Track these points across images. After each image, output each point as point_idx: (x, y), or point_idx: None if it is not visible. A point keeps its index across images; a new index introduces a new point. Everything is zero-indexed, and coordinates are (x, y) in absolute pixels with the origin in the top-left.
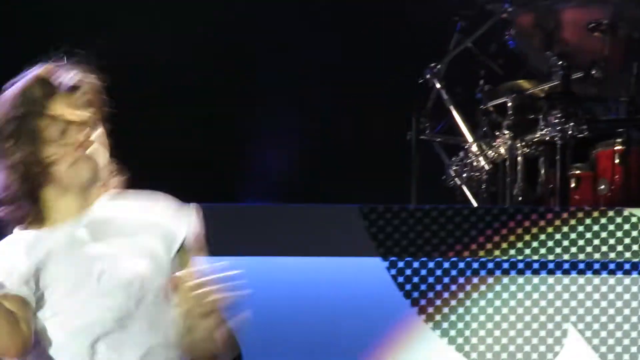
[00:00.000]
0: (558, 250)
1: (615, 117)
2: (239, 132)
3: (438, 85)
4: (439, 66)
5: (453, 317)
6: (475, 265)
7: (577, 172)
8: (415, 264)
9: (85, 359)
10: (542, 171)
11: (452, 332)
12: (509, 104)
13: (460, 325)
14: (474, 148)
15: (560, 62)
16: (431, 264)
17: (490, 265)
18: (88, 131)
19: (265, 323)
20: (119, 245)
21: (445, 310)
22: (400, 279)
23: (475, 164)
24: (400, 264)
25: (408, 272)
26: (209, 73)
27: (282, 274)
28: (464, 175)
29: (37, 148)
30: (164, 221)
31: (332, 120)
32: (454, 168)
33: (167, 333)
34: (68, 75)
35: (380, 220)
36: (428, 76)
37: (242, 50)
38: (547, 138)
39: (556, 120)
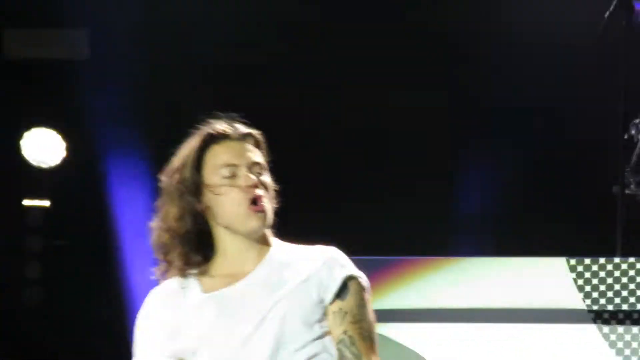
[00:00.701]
0: None
1: None
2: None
3: None
4: None
5: None
6: None
7: None
8: (620, 315)
9: None
10: None
11: None
12: None
13: None
14: (632, 182)
15: None
16: (635, 315)
17: None
18: (258, 175)
19: None
20: (277, 301)
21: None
22: (606, 330)
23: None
24: (605, 315)
25: (613, 322)
26: None
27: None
28: None
29: (205, 185)
30: (323, 274)
31: (538, 173)
32: None
33: None
34: (238, 126)
35: (587, 272)
36: (633, 132)
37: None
38: None
39: None
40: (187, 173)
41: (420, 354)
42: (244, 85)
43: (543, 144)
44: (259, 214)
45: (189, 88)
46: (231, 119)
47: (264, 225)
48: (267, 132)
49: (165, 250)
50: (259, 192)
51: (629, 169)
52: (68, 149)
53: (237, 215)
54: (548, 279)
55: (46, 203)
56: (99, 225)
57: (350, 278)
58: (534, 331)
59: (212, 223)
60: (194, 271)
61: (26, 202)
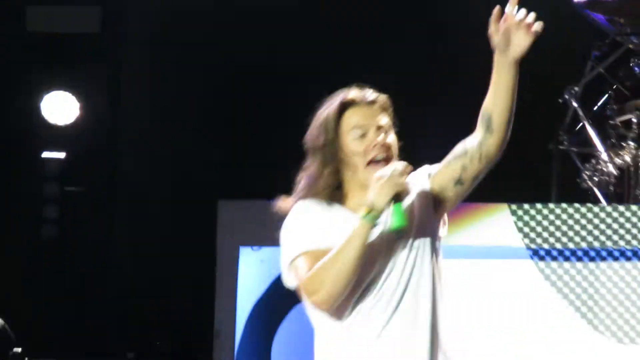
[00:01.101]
0: None
1: None
2: None
3: (575, 105)
4: (576, 88)
5: (600, 304)
6: (604, 253)
7: None
8: (554, 253)
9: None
10: None
11: (599, 319)
12: (634, 120)
13: (608, 310)
14: (604, 156)
15: None
16: (567, 253)
17: (617, 254)
18: (385, 135)
19: None
20: None
21: (591, 298)
22: (541, 265)
23: (605, 169)
24: (541, 253)
25: (548, 259)
26: None
27: None
28: (596, 179)
29: (342, 144)
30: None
31: None
32: (587, 173)
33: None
34: (368, 92)
35: (525, 215)
36: (567, 97)
37: None
38: None
39: None
40: (329, 134)
41: None
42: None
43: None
44: (379, 167)
45: (183, 53)
46: (361, 86)
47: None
48: None
49: (311, 183)
50: (383, 150)
51: (562, 129)
52: (81, 108)
53: (364, 169)
54: (492, 221)
55: (62, 155)
56: (107, 174)
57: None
58: (480, 266)
59: (346, 172)
60: (330, 200)
61: (45, 155)
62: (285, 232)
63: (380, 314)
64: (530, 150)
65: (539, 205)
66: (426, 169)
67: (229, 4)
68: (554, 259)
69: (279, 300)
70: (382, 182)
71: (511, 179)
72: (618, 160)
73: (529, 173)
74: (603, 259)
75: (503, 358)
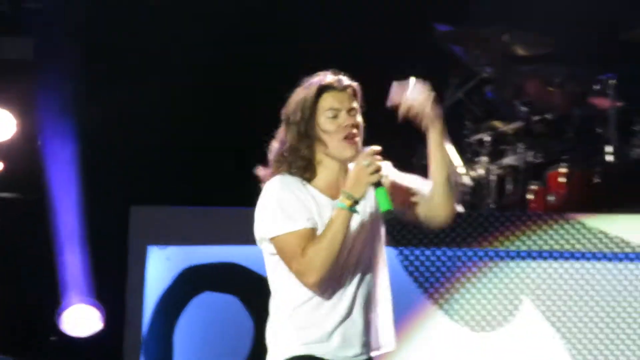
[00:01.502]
0: (518, 243)
1: (561, 149)
2: None
3: None
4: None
5: (455, 297)
6: (470, 253)
7: (534, 187)
8: (416, 252)
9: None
10: (509, 187)
11: (454, 309)
12: (487, 139)
13: (462, 302)
14: (461, 170)
15: (523, 109)
16: (428, 252)
17: (481, 254)
18: (354, 118)
19: None
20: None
21: (448, 291)
22: (406, 263)
23: (461, 181)
24: (406, 252)
25: (411, 258)
26: None
27: None
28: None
29: (316, 123)
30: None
31: None
32: None
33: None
34: (343, 79)
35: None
36: None
37: None
38: (513, 163)
39: (520, 151)
40: (306, 112)
41: None
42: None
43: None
44: (351, 146)
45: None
46: (337, 73)
47: (353, 154)
48: None
49: (282, 158)
50: (353, 130)
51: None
52: (18, 125)
53: (336, 146)
54: None
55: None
56: (37, 183)
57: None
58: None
59: (319, 150)
60: (304, 176)
61: None
62: (265, 207)
63: (341, 284)
64: (399, 163)
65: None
66: (387, 169)
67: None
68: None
69: (180, 293)
70: (358, 172)
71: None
72: (473, 173)
73: None
74: (459, 258)
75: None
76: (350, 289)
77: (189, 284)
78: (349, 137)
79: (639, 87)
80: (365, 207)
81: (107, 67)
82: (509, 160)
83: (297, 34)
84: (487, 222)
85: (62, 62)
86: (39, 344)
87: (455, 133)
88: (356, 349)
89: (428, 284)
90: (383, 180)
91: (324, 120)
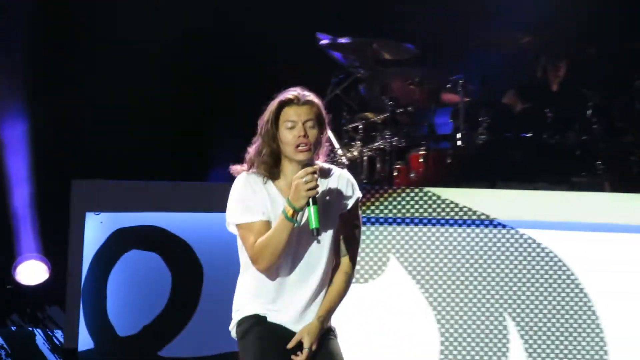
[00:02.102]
0: (386, 211)
1: (420, 135)
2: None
3: None
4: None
5: None
6: None
7: (398, 166)
8: None
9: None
10: (378, 165)
11: None
12: (360, 126)
13: None
14: (340, 152)
15: (389, 102)
16: None
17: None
18: (310, 129)
19: None
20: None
21: None
22: None
23: (340, 161)
24: None
25: None
26: None
27: None
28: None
29: (279, 131)
30: (344, 190)
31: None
32: None
33: (326, 265)
34: (308, 93)
35: None
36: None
37: None
38: (382, 146)
39: (387, 136)
40: (271, 123)
41: None
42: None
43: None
44: (302, 153)
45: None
46: (300, 89)
47: (305, 159)
48: None
49: (252, 159)
50: (304, 140)
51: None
52: None
53: (290, 152)
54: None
55: None
56: None
57: (359, 200)
58: None
59: (283, 156)
60: (266, 175)
61: None
62: (231, 198)
63: (290, 268)
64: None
65: None
66: (355, 197)
67: None
68: None
69: (112, 251)
70: (298, 185)
71: None
72: (349, 155)
73: None
74: None
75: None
76: (297, 272)
77: (119, 243)
78: (300, 146)
79: (482, 86)
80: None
81: (54, 50)
82: (378, 144)
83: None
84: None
85: (14, 44)
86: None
87: (335, 122)
88: (293, 317)
89: None
90: (317, 196)
91: (283, 130)
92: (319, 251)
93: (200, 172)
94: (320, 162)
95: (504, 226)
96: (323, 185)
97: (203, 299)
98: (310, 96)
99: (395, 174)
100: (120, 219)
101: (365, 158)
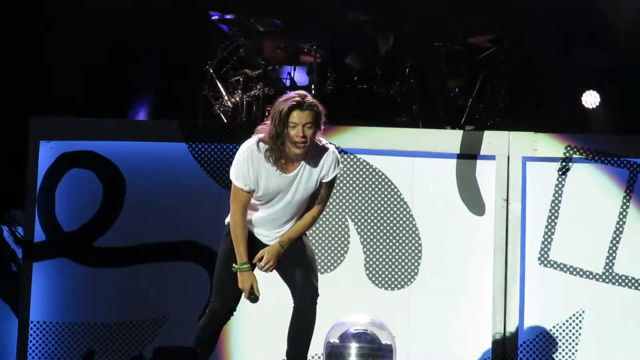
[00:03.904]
0: None
1: (285, 86)
2: None
3: (211, 71)
4: (211, 63)
5: None
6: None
7: (268, 109)
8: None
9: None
10: (254, 108)
11: None
12: (240, 79)
13: None
14: (226, 98)
15: (263, 62)
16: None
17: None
18: (307, 129)
19: None
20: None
21: None
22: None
23: (226, 104)
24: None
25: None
26: None
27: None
28: (221, 109)
29: (285, 128)
30: (328, 168)
31: None
32: (217, 106)
33: (298, 212)
34: (309, 100)
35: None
36: (207, 67)
37: None
38: (257, 94)
39: (260, 87)
40: (279, 121)
41: None
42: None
43: None
44: (299, 148)
45: None
46: (304, 96)
47: (300, 152)
48: None
49: (267, 138)
50: (302, 139)
51: (205, 82)
52: None
53: (291, 146)
54: None
55: None
56: None
57: (337, 175)
58: None
59: (286, 144)
60: (273, 155)
61: None
62: (236, 158)
63: (272, 211)
64: (188, 96)
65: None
66: (336, 172)
67: None
68: None
69: (57, 169)
70: (241, 284)
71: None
72: (232, 100)
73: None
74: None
75: None
76: (277, 214)
77: (64, 163)
78: (298, 142)
79: (330, 51)
80: (309, 180)
81: None
82: (254, 92)
83: None
84: (241, 129)
85: None
86: None
87: (222, 77)
88: (263, 235)
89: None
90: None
91: (288, 129)
92: (298, 205)
93: (123, 108)
94: (319, 139)
95: (346, 152)
96: (316, 159)
97: (125, 205)
98: (311, 101)
99: (266, 114)
100: (65, 146)
101: (244, 103)
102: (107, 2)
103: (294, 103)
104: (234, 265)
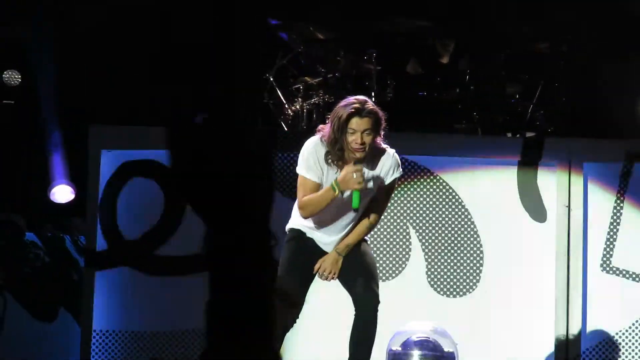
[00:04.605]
0: None
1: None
2: None
3: (272, 79)
4: (273, 72)
5: None
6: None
7: (329, 116)
8: None
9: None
10: (314, 116)
11: None
12: (300, 87)
13: None
14: (287, 106)
15: (322, 70)
16: None
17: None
18: (366, 136)
19: None
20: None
21: None
22: None
23: (287, 112)
24: None
25: None
26: None
27: None
28: (282, 117)
29: (343, 134)
30: (387, 171)
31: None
32: (279, 115)
33: (357, 216)
34: (369, 106)
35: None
36: (268, 75)
37: None
38: (317, 102)
39: (320, 95)
40: (337, 127)
41: None
42: None
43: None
44: (357, 154)
45: None
46: (363, 101)
47: (359, 157)
48: None
49: (328, 144)
50: (360, 145)
51: (266, 90)
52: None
53: (349, 151)
54: None
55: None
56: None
57: (397, 179)
58: None
59: (344, 147)
60: (333, 158)
61: None
62: (302, 153)
63: (331, 217)
64: (252, 104)
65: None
66: (395, 176)
67: None
68: None
69: (118, 178)
70: (349, 177)
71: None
72: (293, 108)
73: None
74: None
75: None
76: (335, 220)
77: (125, 172)
78: (356, 149)
79: (393, 59)
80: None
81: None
82: (314, 100)
83: None
84: (302, 137)
85: None
86: (38, 204)
87: (283, 84)
88: (323, 241)
89: None
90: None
91: (347, 134)
92: (356, 211)
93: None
94: (378, 143)
95: (406, 159)
96: (375, 162)
97: (186, 213)
98: (370, 108)
99: (326, 122)
100: (126, 155)
101: (305, 111)
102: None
103: (353, 110)
104: (334, 187)
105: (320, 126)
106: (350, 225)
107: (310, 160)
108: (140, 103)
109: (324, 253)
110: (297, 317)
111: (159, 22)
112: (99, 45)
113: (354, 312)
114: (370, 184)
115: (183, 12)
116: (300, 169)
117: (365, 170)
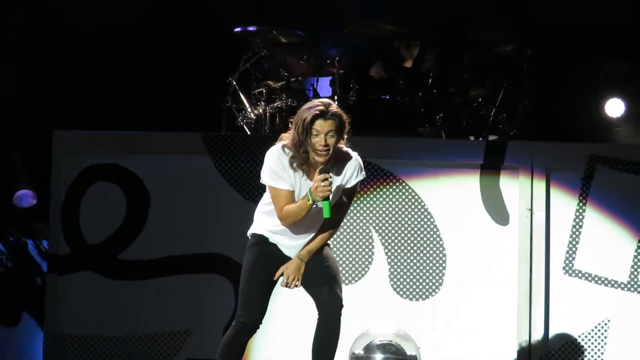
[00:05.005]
0: None
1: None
2: None
3: (234, 83)
4: (235, 76)
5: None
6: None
7: (291, 120)
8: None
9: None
10: (277, 120)
11: None
12: (264, 91)
13: None
14: (249, 110)
15: (285, 74)
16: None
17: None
18: (330, 138)
19: None
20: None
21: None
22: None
23: (249, 116)
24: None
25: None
26: None
27: None
28: (244, 121)
29: (308, 136)
30: (351, 174)
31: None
32: (240, 118)
33: (320, 219)
34: (333, 108)
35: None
36: (231, 79)
37: None
38: (280, 105)
39: (283, 98)
40: (302, 129)
41: None
42: None
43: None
44: (321, 156)
45: None
46: (328, 104)
47: (323, 159)
48: None
49: (292, 148)
50: (324, 147)
51: (229, 95)
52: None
53: (313, 154)
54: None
55: None
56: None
57: (360, 181)
58: None
59: (309, 150)
60: (297, 162)
61: None
62: (266, 164)
63: (297, 224)
64: (210, 107)
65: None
66: (359, 179)
67: None
68: None
69: (81, 182)
70: (318, 186)
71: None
72: (256, 112)
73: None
74: None
75: None
76: (301, 226)
77: (88, 176)
78: (320, 150)
79: (353, 61)
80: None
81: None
82: (277, 104)
83: None
84: (265, 141)
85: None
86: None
87: (245, 88)
88: (285, 247)
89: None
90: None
91: (311, 137)
92: (321, 217)
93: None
94: (340, 146)
95: (369, 162)
96: (340, 166)
97: (149, 217)
98: (334, 110)
99: (289, 126)
100: (89, 159)
101: (267, 114)
102: (133, 17)
103: (317, 112)
104: (309, 197)
105: (283, 135)
106: (313, 230)
107: (277, 169)
108: (102, 108)
109: (287, 259)
110: (260, 323)
111: (120, 26)
112: (60, 51)
113: (316, 316)
114: (335, 188)
115: (144, 16)
116: (269, 181)
117: (331, 175)
